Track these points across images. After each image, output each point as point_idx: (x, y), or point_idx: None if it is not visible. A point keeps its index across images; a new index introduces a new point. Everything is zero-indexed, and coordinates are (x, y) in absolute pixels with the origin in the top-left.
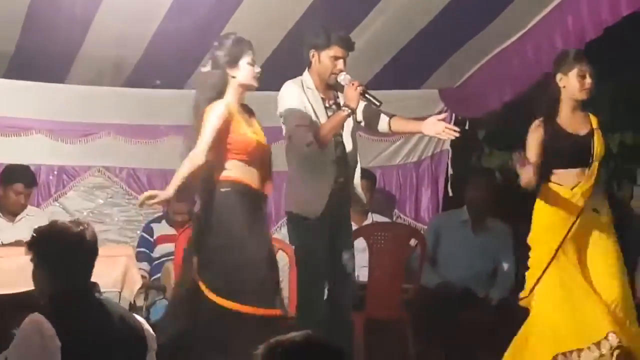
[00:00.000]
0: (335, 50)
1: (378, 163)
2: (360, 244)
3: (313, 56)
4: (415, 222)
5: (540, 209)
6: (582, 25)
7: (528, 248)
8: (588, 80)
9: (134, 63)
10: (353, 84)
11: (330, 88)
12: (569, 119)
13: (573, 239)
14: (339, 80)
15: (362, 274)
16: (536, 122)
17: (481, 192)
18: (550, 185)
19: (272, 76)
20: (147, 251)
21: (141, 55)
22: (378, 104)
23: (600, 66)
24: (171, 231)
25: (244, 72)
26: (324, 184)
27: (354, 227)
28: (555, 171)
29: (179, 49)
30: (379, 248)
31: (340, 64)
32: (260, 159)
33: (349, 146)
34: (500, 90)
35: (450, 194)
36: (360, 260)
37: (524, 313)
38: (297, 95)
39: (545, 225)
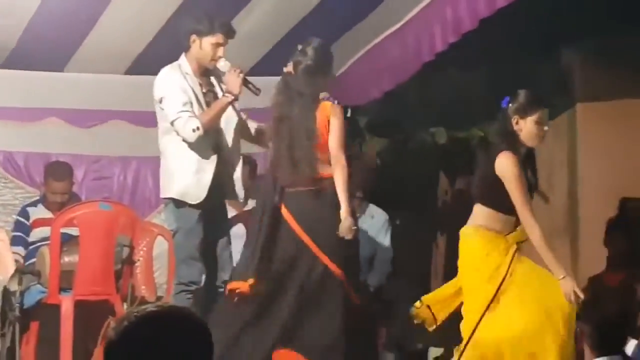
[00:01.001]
0: (217, 37)
1: (259, 149)
2: (239, 229)
3: (193, 41)
4: None
5: (470, 251)
6: (459, 17)
7: (412, 239)
8: (545, 127)
9: (12, 48)
10: (235, 70)
11: (205, 74)
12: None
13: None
14: (218, 66)
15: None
16: (509, 154)
17: (360, 178)
18: (481, 230)
19: (152, 61)
20: (23, 235)
21: (18, 40)
22: (258, 91)
23: (475, 58)
24: (48, 215)
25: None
26: (206, 170)
27: (233, 213)
28: (489, 210)
29: (57, 33)
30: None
31: (221, 50)
32: None
33: (228, 133)
34: (381, 79)
35: None
36: (240, 246)
37: (400, 300)
38: (177, 80)
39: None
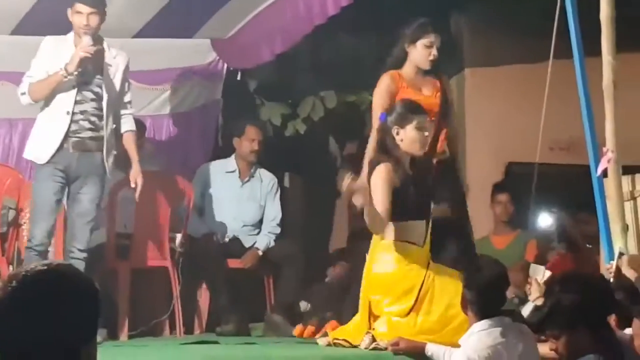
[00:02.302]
0: (77, 6)
1: (148, 112)
2: (127, 193)
3: (70, 15)
4: (184, 171)
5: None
6: None
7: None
8: (425, 133)
9: None
10: (81, 49)
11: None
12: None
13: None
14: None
15: (128, 223)
16: (382, 166)
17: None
18: (400, 243)
19: (39, 21)
20: None
21: None
22: (95, 77)
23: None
24: None
25: (418, 52)
26: (53, 133)
27: (122, 176)
28: (402, 223)
29: None
30: (144, 197)
31: (84, 18)
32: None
33: (107, 98)
34: (272, 42)
35: (220, 144)
36: (127, 210)
37: (288, 260)
38: (49, 49)
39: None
